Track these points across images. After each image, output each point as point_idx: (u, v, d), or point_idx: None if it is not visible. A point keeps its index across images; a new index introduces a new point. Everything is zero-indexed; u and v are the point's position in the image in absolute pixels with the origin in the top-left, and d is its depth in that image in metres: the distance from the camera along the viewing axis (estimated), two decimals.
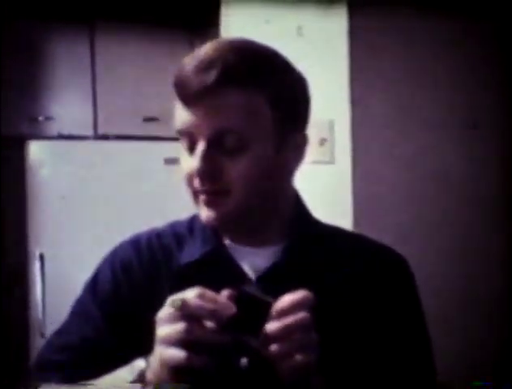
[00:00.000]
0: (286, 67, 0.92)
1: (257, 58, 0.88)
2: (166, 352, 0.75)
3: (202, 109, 0.85)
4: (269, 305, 0.75)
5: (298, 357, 0.74)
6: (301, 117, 0.95)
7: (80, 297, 1.00)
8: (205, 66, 0.84)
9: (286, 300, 0.75)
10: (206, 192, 0.88)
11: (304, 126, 0.95)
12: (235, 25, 2.14)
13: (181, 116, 0.88)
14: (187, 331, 0.74)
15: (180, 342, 0.74)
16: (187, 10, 3.17)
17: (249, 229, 0.95)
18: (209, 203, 0.88)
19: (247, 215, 0.90)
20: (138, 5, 3.10)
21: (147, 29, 3.24)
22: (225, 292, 0.76)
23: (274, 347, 0.74)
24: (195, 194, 0.90)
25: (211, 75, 0.84)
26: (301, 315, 0.75)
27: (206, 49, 0.87)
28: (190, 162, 0.88)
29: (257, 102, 0.87)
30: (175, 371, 0.76)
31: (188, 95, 0.85)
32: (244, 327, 0.75)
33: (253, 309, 0.75)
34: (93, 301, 0.96)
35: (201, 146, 0.86)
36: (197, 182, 0.88)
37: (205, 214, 0.89)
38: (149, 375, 0.79)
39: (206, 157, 0.86)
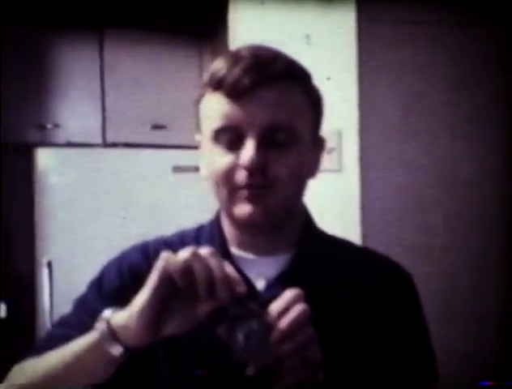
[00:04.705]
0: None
1: (292, 58, 0.93)
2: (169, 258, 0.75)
3: (256, 104, 0.87)
4: (263, 316, 0.74)
5: (307, 351, 0.73)
6: (322, 118, 0.97)
7: (84, 294, 0.99)
8: (264, 62, 0.87)
9: (278, 302, 0.75)
10: (252, 186, 0.87)
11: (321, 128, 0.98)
12: (242, 33, 2.15)
13: (224, 112, 0.88)
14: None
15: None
16: (195, 17, 3.18)
17: (269, 233, 0.93)
18: (253, 198, 0.88)
19: (284, 213, 0.91)
20: (147, 13, 3.11)
21: (155, 37, 3.25)
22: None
23: (285, 346, 0.73)
24: (233, 191, 0.89)
25: (272, 70, 0.87)
26: (300, 307, 0.74)
27: (250, 49, 0.89)
28: (229, 158, 0.88)
29: (303, 99, 0.91)
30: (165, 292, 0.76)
31: (241, 90, 0.86)
32: (254, 350, 0.73)
33: (249, 328, 0.73)
34: (99, 298, 0.95)
35: (251, 140, 0.86)
36: (241, 177, 0.87)
37: (245, 210, 0.88)
38: (116, 318, 0.79)
39: (259, 150, 0.86)
